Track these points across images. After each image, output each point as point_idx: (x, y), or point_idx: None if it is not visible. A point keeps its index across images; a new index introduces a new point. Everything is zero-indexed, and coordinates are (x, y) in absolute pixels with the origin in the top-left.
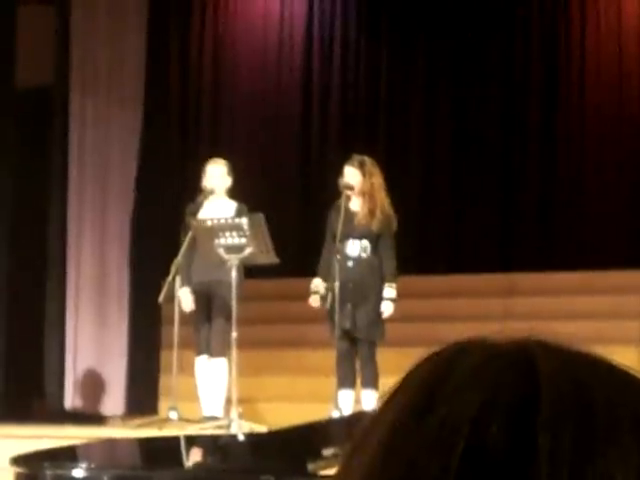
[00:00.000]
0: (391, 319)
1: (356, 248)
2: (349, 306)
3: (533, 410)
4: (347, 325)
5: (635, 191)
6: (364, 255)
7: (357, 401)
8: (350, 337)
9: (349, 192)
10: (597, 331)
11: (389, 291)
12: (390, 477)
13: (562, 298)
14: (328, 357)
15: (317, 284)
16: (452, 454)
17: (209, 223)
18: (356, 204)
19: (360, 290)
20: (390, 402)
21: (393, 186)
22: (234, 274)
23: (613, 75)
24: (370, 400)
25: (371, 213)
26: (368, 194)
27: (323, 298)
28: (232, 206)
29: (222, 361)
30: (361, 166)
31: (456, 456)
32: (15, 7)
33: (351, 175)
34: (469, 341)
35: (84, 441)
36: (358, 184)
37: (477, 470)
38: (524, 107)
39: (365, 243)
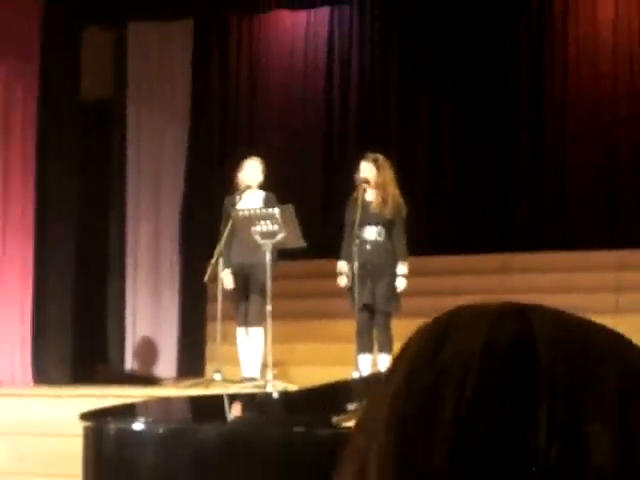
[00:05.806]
0: (403, 294)
1: (373, 233)
2: (368, 283)
3: (532, 335)
4: (367, 300)
5: (611, 183)
6: (380, 239)
7: (374, 364)
8: (369, 309)
9: (365, 185)
10: (577, 303)
11: (402, 268)
12: (415, 400)
13: (549, 275)
14: (349, 327)
15: (342, 266)
16: (469, 373)
17: (247, 213)
18: (371, 195)
19: (377, 269)
20: (402, 353)
21: (403, 180)
22: (268, 256)
23: (593, 63)
24: (385, 363)
25: (384, 202)
26: (381, 186)
27: (348, 277)
28: (262, 195)
29: (259, 330)
30: (375, 162)
31: (473, 374)
32: (81, 30)
33: (366, 170)
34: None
35: (142, 399)
36: (372, 177)
37: (490, 386)
38: (515, 105)
39: (380, 229)
